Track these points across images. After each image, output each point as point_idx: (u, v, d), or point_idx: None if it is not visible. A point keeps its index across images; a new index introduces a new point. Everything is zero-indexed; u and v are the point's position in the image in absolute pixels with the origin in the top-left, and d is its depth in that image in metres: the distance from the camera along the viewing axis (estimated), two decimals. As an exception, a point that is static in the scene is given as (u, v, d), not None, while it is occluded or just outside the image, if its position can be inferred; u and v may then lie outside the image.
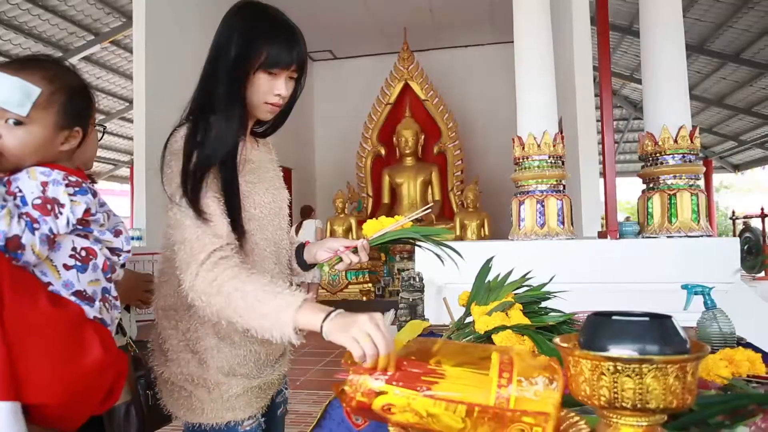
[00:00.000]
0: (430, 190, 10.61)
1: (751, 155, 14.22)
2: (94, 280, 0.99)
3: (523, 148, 4.13)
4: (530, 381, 0.72)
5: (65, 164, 1.01)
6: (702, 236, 3.75)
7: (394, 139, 10.59)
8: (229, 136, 1.07)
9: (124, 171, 15.07)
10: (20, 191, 0.92)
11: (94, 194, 1.02)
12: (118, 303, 1.07)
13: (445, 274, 3.36)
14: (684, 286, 1.51)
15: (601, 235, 4.35)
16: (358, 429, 0.84)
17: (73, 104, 0.99)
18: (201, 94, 1.13)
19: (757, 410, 0.74)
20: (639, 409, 0.65)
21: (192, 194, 1.02)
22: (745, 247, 10.97)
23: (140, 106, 6.98)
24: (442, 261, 1.22)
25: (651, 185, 4.02)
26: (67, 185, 0.95)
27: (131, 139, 8.60)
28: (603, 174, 4.33)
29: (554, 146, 4.09)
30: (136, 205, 6.86)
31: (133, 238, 6.10)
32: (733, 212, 12.86)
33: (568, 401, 0.75)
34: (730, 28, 8.59)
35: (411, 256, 8.78)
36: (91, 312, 0.98)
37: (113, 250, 1.05)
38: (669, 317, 0.70)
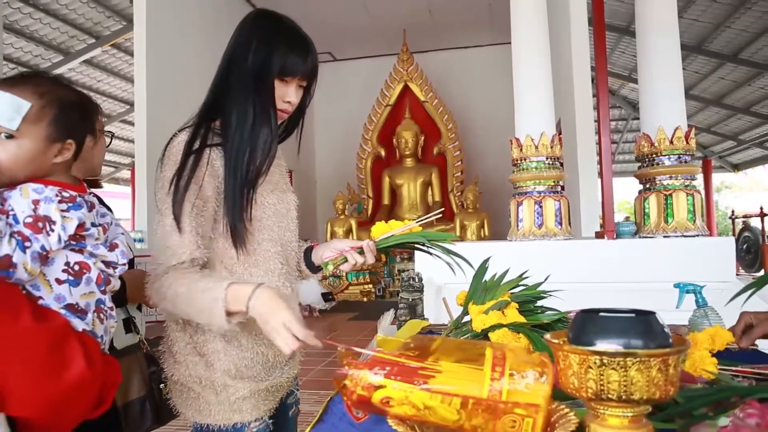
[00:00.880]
0: (430, 191, 10.64)
1: (751, 154, 14.25)
2: (87, 293, 1.01)
3: (521, 149, 4.17)
4: (522, 375, 0.75)
5: (61, 177, 1.03)
6: (698, 236, 3.79)
7: (394, 140, 10.63)
8: (273, 143, 1.12)
9: (125, 173, 15.12)
10: (12, 210, 0.94)
11: (91, 207, 1.04)
12: (113, 313, 1.09)
13: (444, 274, 3.40)
14: (676, 285, 1.54)
15: (599, 235, 4.39)
16: (358, 422, 0.88)
17: (64, 117, 1.01)
18: (212, 97, 1.17)
19: (739, 402, 0.78)
20: (624, 401, 0.68)
21: (176, 205, 1.05)
22: (745, 246, 11.01)
23: (141, 109, 7.01)
24: (452, 269, 1.22)
25: (647, 186, 4.06)
26: (60, 201, 0.97)
27: (132, 141, 8.64)
28: (600, 174, 4.36)
29: (552, 147, 4.13)
30: (138, 207, 6.90)
31: (134, 240, 6.14)
32: (733, 211, 12.90)
33: (561, 396, 0.79)
34: (728, 29, 8.62)
35: (411, 257, 8.81)
36: (80, 325, 0.99)
37: (108, 264, 1.06)
38: (653, 313, 0.73)
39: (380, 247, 1.23)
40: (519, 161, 4.22)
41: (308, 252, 1.32)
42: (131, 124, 9.90)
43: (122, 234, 1.15)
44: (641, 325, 0.71)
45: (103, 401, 1.01)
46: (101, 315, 1.03)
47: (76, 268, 1.00)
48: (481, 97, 11.48)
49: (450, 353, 0.82)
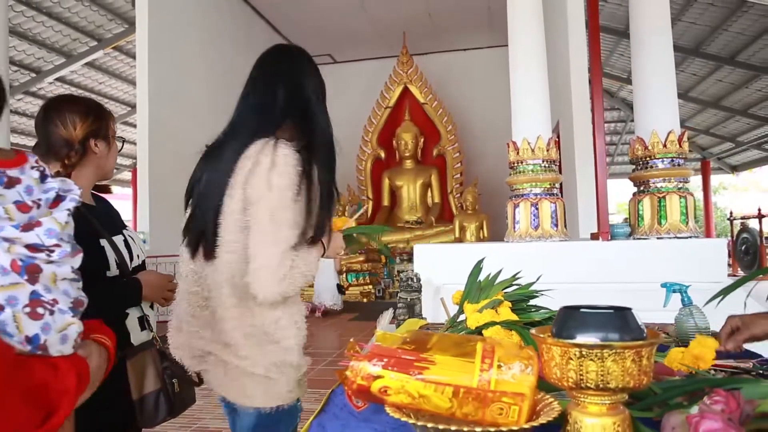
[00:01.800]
0: (429, 193, 10.70)
1: (749, 156, 14.32)
2: (6, 284, 0.83)
3: (518, 152, 4.24)
4: (508, 366, 0.82)
5: None
6: (690, 237, 3.86)
7: (394, 142, 10.69)
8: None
9: (126, 175, 15.19)
10: None
11: (8, 183, 0.87)
12: (64, 307, 0.88)
13: (442, 274, 3.47)
14: (663, 285, 1.60)
15: (594, 236, 4.46)
16: (358, 410, 0.94)
17: None
18: (287, 112, 1.36)
19: (710, 392, 0.84)
20: (601, 389, 0.75)
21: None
22: (743, 248, 11.08)
23: (143, 111, 7.06)
24: (389, 258, 1.43)
25: (641, 188, 4.13)
26: None
27: (133, 143, 8.70)
28: (595, 177, 4.43)
29: (548, 151, 4.20)
30: (140, 208, 6.95)
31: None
32: (731, 213, 12.95)
33: (548, 388, 0.86)
34: (725, 31, 8.69)
35: (410, 258, 8.88)
36: None
37: (32, 247, 0.86)
38: (629, 309, 0.80)
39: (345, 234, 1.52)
40: (516, 164, 4.29)
41: None
42: (133, 125, 9.97)
43: (50, 214, 0.92)
44: (617, 320, 0.77)
45: (53, 412, 0.83)
46: (37, 310, 0.85)
47: None
48: (481, 99, 11.53)
49: (445, 349, 0.88)
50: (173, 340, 1.32)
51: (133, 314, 1.39)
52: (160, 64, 7.25)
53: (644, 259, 3.67)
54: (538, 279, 1.51)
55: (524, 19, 4.32)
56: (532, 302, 1.53)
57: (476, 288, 1.51)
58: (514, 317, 1.40)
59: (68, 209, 0.89)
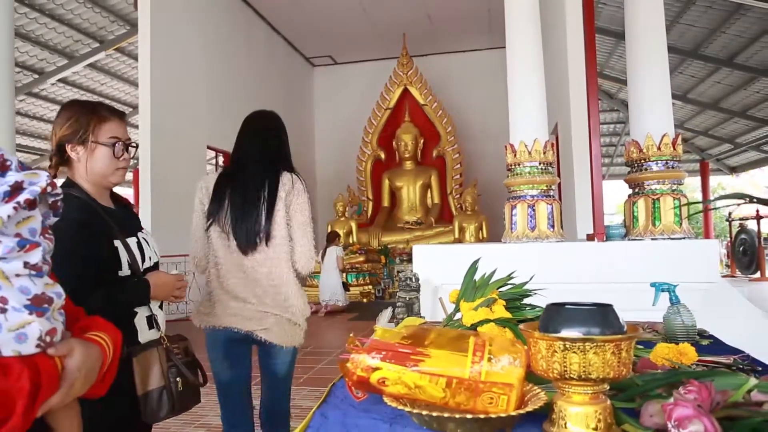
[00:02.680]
0: (429, 194, 10.76)
1: (748, 157, 14.36)
2: None
3: (515, 155, 4.30)
4: (498, 359, 0.88)
5: None
6: (684, 238, 3.92)
7: (394, 143, 10.75)
8: None
9: (127, 175, 15.23)
10: None
11: None
12: (18, 305, 0.83)
13: (441, 274, 3.53)
14: (652, 284, 1.66)
15: (590, 237, 4.52)
16: (358, 401, 1.00)
17: None
18: (280, 155, 2.03)
19: (686, 383, 0.90)
20: (584, 379, 0.81)
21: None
22: (741, 249, 11.13)
23: (145, 112, 7.11)
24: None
25: (636, 190, 4.20)
26: None
27: (135, 145, 8.72)
28: (591, 178, 4.49)
29: (544, 153, 4.26)
30: (142, 209, 6.99)
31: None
32: (729, 214, 12.99)
33: (538, 380, 0.92)
34: (723, 34, 8.73)
35: (410, 259, 8.94)
36: None
37: None
38: (610, 306, 0.86)
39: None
40: (513, 166, 4.35)
41: None
42: (135, 126, 10.02)
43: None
44: (599, 315, 0.84)
45: (7, 415, 0.78)
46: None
47: None
48: (480, 100, 11.59)
49: (442, 345, 0.94)
50: (224, 312, 1.88)
51: (142, 313, 1.44)
52: (161, 66, 7.31)
53: (639, 259, 3.73)
54: (531, 278, 1.56)
55: (521, 22, 4.37)
56: (526, 301, 1.60)
57: (472, 287, 1.56)
58: (508, 315, 1.46)
59: (18, 203, 0.82)
